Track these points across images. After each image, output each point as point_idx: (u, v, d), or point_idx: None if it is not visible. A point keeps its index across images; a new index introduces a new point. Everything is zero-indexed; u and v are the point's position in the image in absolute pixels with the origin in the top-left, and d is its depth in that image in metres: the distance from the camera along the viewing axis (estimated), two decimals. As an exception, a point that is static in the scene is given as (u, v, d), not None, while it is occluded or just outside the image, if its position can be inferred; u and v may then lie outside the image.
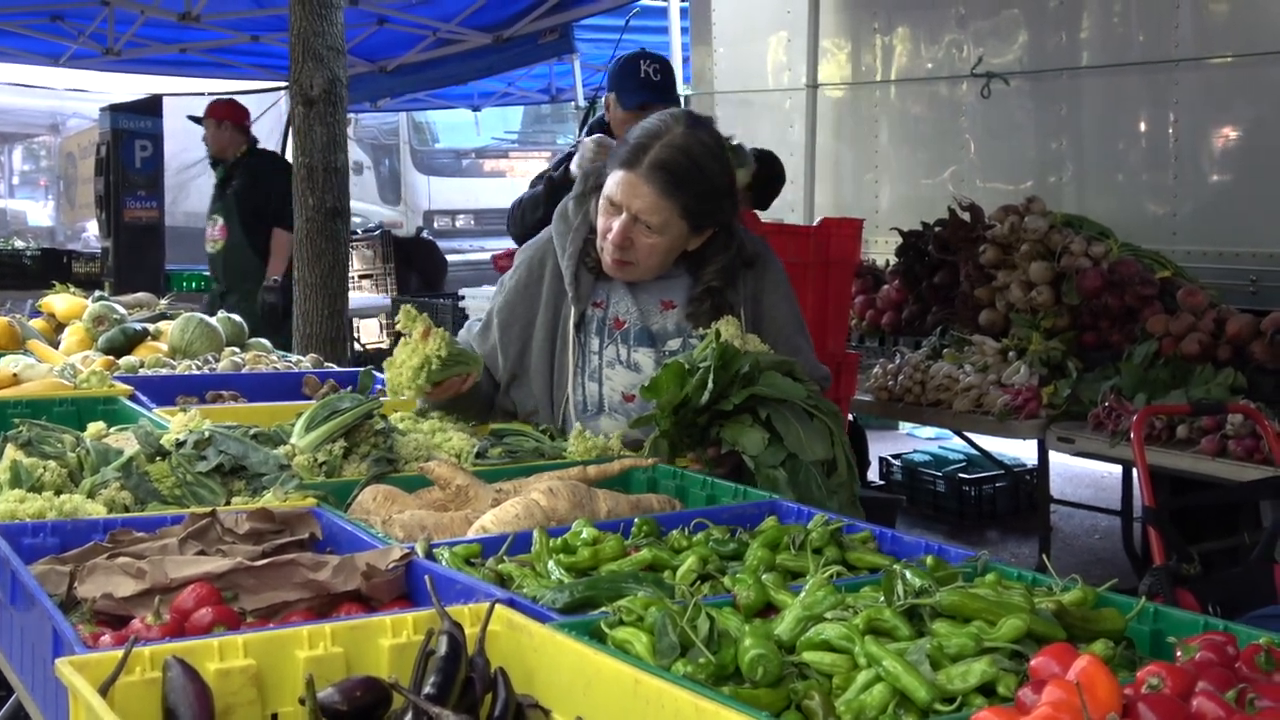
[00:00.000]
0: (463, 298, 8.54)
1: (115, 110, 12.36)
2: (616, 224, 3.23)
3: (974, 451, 7.88)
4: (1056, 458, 7.01)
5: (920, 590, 1.83)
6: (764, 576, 2.07)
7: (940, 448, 8.77)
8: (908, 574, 1.89)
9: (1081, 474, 8.62)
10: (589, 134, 5.52)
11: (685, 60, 10.05)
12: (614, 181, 3.22)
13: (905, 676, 1.63)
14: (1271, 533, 3.99)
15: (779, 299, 3.43)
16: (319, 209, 7.19)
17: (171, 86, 13.21)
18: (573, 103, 12.43)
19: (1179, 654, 1.65)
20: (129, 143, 12.12)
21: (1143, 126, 6.42)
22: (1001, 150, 7.14)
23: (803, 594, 1.89)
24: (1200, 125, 6.13)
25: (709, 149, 3.26)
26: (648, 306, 3.39)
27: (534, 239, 3.57)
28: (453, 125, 17.38)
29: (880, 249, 7.36)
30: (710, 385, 2.93)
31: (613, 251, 3.26)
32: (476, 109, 14.92)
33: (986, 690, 1.63)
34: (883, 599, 1.87)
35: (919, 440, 9.73)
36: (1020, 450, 7.99)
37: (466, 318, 8.37)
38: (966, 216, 6.23)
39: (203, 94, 14.32)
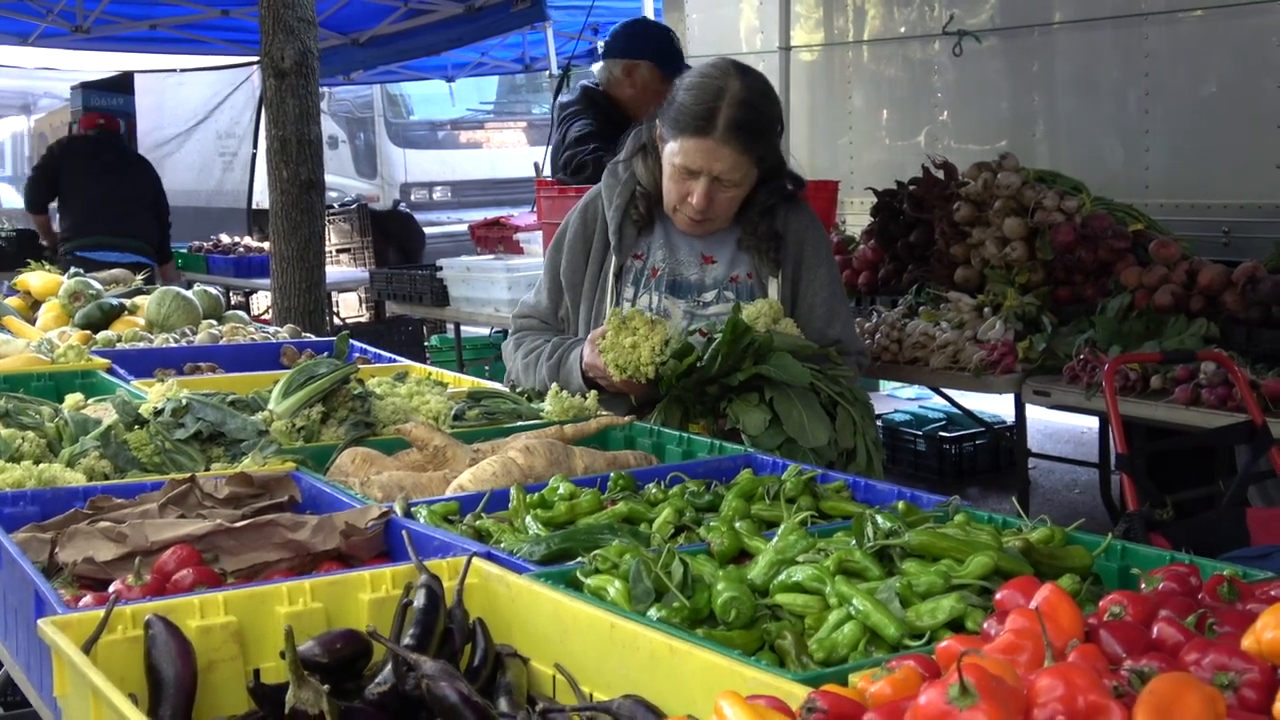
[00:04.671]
0: (440, 268, 8.54)
1: (87, 88, 12.28)
2: (698, 190, 3.27)
3: (954, 410, 7.92)
4: (1037, 415, 7.06)
5: (890, 532, 1.86)
6: (738, 524, 2.10)
7: (920, 407, 8.81)
8: (878, 518, 1.93)
9: (1061, 430, 8.68)
10: (579, 101, 5.66)
11: (658, 26, 10.02)
12: (688, 150, 3.24)
13: (875, 614, 1.66)
14: (1243, 477, 4.03)
15: (819, 263, 3.49)
16: (293, 182, 7.17)
17: (143, 63, 13.12)
18: (547, 71, 12.38)
19: (1143, 585, 1.68)
20: (101, 121, 12.04)
21: (1114, 81, 6.43)
22: (974, 108, 7.14)
23: (775, 539, 1.92)
24: (1172, 78, 6.15)
25: (765, 93, 3.33)
26: (686, 258, 3.45)
27: (585, 195, 3.60)
28: (427, 97, 17.28)
29: (855, 209, 7.38)
30: (718, 357, 2.97)
31: (695, 214, 3.31)
32: (451, 80, 14.85)
33: (955, 626, 1.66)
34: (854, 542, 1.90)
35: (900, 400, 9.78)
36: (1000, 408, 8.04)
37: (446, 289, 8.39)
38: (940, 174, 6.24)
39: (174, 70, 14.26)
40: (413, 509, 2.29)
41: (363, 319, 12.15)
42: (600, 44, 12.87)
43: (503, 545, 2.11)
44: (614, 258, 3.44)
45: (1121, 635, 1.42)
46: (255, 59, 10.36)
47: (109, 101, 12.21)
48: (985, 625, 1.52)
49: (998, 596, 1.58)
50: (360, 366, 3.23)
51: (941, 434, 7.92)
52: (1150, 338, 4.94)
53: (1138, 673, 1.31)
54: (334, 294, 11.37)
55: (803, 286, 3.44)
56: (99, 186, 9.77)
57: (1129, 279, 5.24)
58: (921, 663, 1.40)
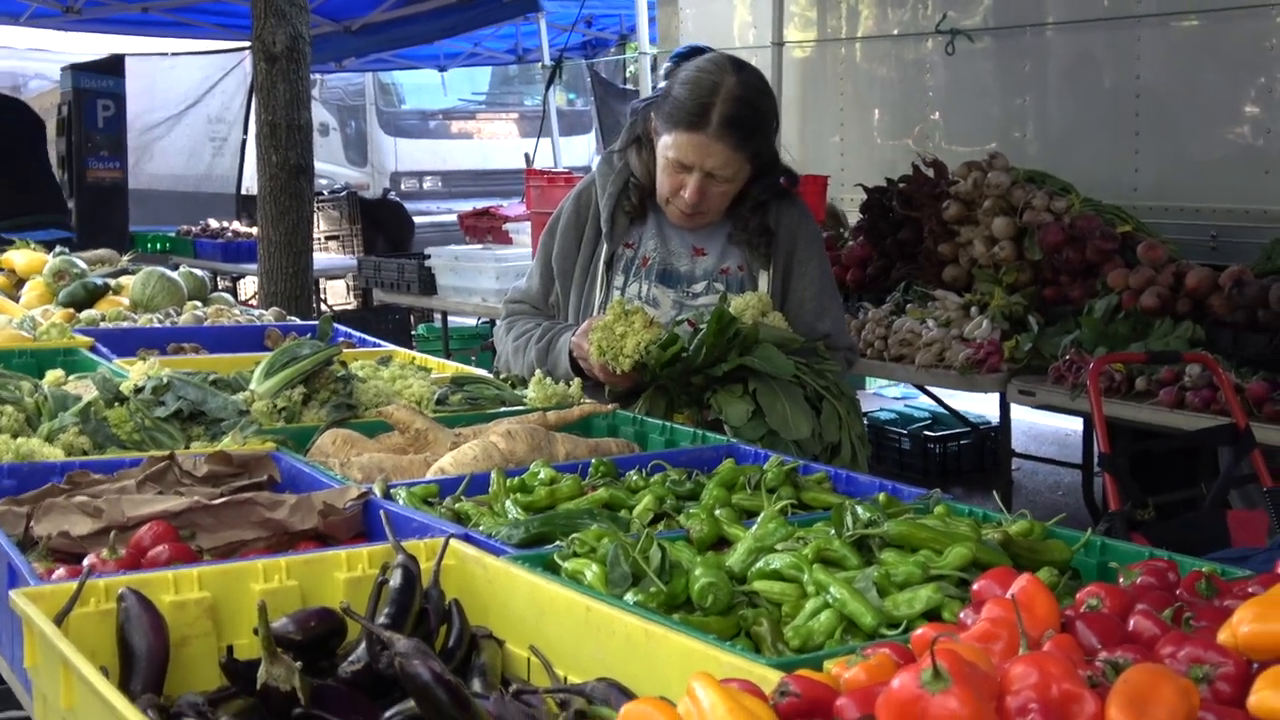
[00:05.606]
0: (428, 257, 8.54)
1: (76, 70, 12.22)
2: (690, 184, 3.25)
3: (940, 409, 7.93)
4: (1022, 416, 7.05)
5: (869, 522, 1.86)
6: (718, 512, 2.09)
7: (906, 406, 8.81)
8: (858, 508, 1.92)
9: (1046, 431, 8.69)
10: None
11: (651, 20, 10.02)
12: (681, 144, 3.21)
13: (852, 603, 1.65)
14: (1225, 479, 4.04)
15: (810, 255, 3.46)
16: (282, 166, 7.16)
17: (134, 46, 13.08)
18: (539, 63, 12.37)
19: (1121, 579, 1.67)
20: (91, 103, 12.00)
21: (1105, 83, 6.44)
22: (965, 107, 7.15)
23: (754, 526, 1.91)
24: (1162, 82, 6.16)
25: (760, 89, 3.30)
26: (678, 249, 3.43)
27: (579, 183, 3.60)
28: (419, 86, 17.25)
29: (844, 207, 7.38)
30: (703, 347, 2.96)
31: (687, 209, 3.30)
32: (443, 69, 14.83)
33: (932, 616, 1.66)
34: (833, 531, 1.89)
35: (886, 399, 9.78)
36: (986, 409, 8.04)
37: (434, 278, 8.38)
38: (930, 173, 6.25)
39: (165, 54, 14.21)
40: (392, 491, 2.27)
41: (350, 306, 12.13)
42: (594, 35, 12.88)
43: (481, 528, 2.10)
44: (605, 246, 3.42)
45: (1097, 627, 1.42)
46: (247, 43, 10.34)
47: (99, 84, 12.15)
48: (962, 615, 1.52)
49: (975, 587, 1.57)
50: (344, 349, 3.21)
51: (926, 433, 7.92)
52: (1136, 339, 4.95)
53: (1112, 663, 1.30)
54: (322, 281, 11.34)
55: (793, 280, 3.43)
56: (11, 159, 9.12)
57: (1116, 280, 5.25)
58: (897, 651, 1.39)
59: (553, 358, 3.33)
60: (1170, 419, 4.56)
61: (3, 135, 9.30)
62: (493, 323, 7.86)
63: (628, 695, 1.50)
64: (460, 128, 17.78)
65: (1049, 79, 6.74)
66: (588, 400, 3.04)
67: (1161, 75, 6.15)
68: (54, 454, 2.47)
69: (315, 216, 9.56)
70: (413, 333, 10.75)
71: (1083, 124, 6.53)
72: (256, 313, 4.58)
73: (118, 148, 12.40)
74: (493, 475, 2.34)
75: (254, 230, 9.39)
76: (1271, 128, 5.70)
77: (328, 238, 11.71)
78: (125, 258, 5.54)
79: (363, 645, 1.64)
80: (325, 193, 12.54)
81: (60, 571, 1.92)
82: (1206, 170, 5.99)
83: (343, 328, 4.20)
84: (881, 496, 2.13)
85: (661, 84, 6.65)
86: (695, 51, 6.55)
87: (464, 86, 17.83)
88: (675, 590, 1.75)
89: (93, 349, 3.61)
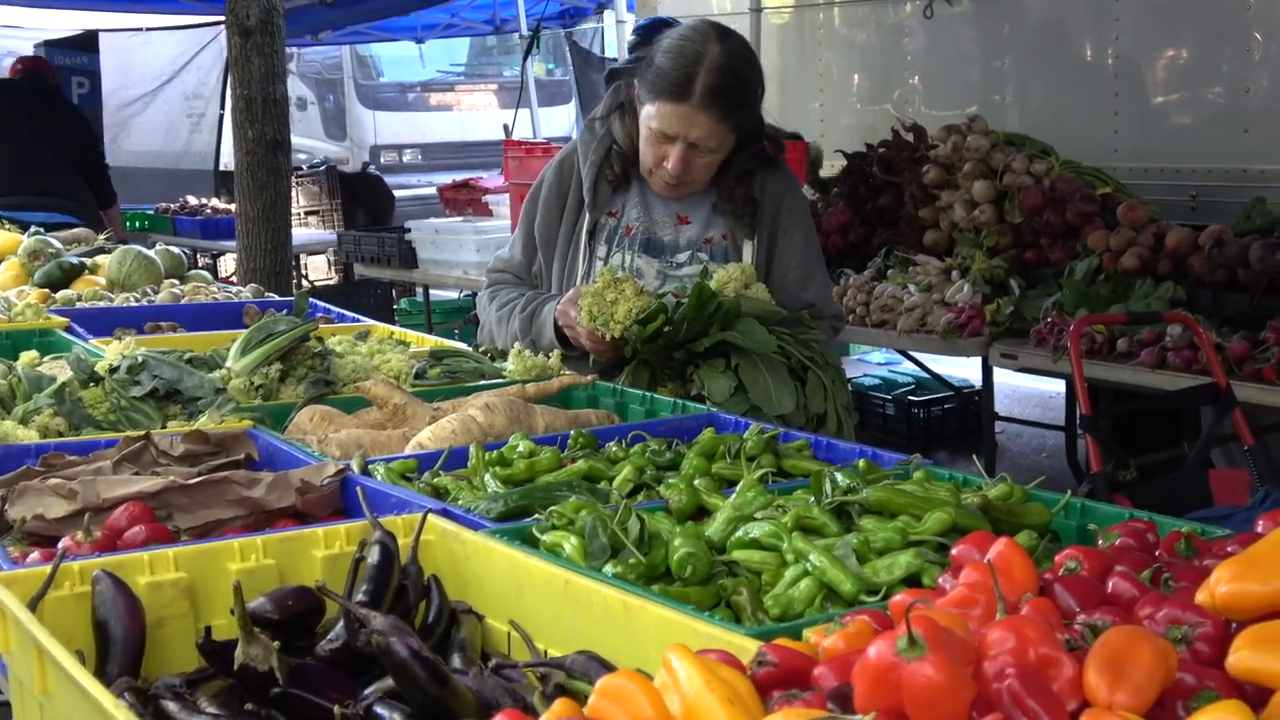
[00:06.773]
0: (409, 230, 8.49)
1: (50, 46, 12.11)
2: (673, 155, 3.21)
3: (923, 374, 7.94)
4: (1005, 379, 7.06)
5: (848, 489, 1.85)
6: (697, 482, 2.08)
7: (890, 371, 8.83)
8: (837, 475, 1.91)
9: (1029, 394, 8.71)
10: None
11: (629, -14, 9.96)
12: (664, 115, 3.17)
13: (832, 570, 1.65)
14: (1206, 438, 4.05)
15: (795, 224, 3.43)
16: (259, 141, 7.10)
17: (107, 22, 12.94)
18: (517, 33, 12.29)
19: (1100, 541, 1.67)
20: (65, 80, 11.88)
21: (1085, 45, 6.42)
22: (945, 71, 7.12)
23: (733, 495, 1.91)
24: (1141, 44, 6.14)
25: (746, 58, 3.26)
26: (661, 218, 3.40)
27: (561, 150, 3.56)
28: (397, 59, 17.13)
29: (825, 172, 7.35)
30: (683, 323, 2.94)
31: (670, 179, 3.27)
32: (420, 41, 14.72)
33: (912, 582, 1.65)
34: (812, 499, 1.88)
35: (869, 365, 9.79)
36: (968, 372, 8.05)
37: (414, 251, 8.34)
38: (910, 137, 6.23)
39: (139, 29, 14.06)
40: (370, 467, 2.26)
41: (331, 282, 12.08)
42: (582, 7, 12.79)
43: (460, 502, 2.09)
44: (588, 215, 3.39)
45: (1076, 590, 1.41)
46: (221, 18, 10.24)
47: (73, 60, 12.05)
48: (940, 580, 1.51)
49: (953, 552, 1.57)
50: (320, 324, 3.19)
51: (910, 398, 7.93)
52: (1117, 301, 4.96)
53: (1090, 626, 1.30)
54: (302, 257, 11.28)
55: (778, 250, 3.40)
56: (23, 138, 8.88)
57: (1097, 242, 5.25)
58: (876, 618, 1.39)
59: (537, 327, 3.30)
60: (1152, 379, 4.56)
61: (28, 110, 9.09)
62: (474, 295, 7.85)
63: (607, 667, 1.49)
64: (439, 100, 17.68)
65: (1028, 42, 6.72)
66: (567, 372, 3.03)
67: (1140, 36, 6.13)
68: (29, 436, 2.45)
69: (294, 191, 9.50)
70: (395, 307, 10.72)
71: (1062, 86, 6.51)
72: (235, 290, 4.56)
73: (94, 125, 12.27)
74: (471, 449, 2.33)
75: (233, 207, 9.32)
76: (1250, 87, 5.69)
77: (307, 213, 11.65)
78: (102, 236, 5.50)
79: (341, 623, 1.63)
80: (304, 167, 12.46)
81: (35, 555, 1.90)
82: (1186, 131, 5.99)
83: (321, 303, 4.18)
84: (861, 463, 2.12)
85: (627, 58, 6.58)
86: (660, 24, 6.52)
87: (442, 58, 17.72)
88: (654, 561, 1.74)
89: (68, 329, 3.59)
